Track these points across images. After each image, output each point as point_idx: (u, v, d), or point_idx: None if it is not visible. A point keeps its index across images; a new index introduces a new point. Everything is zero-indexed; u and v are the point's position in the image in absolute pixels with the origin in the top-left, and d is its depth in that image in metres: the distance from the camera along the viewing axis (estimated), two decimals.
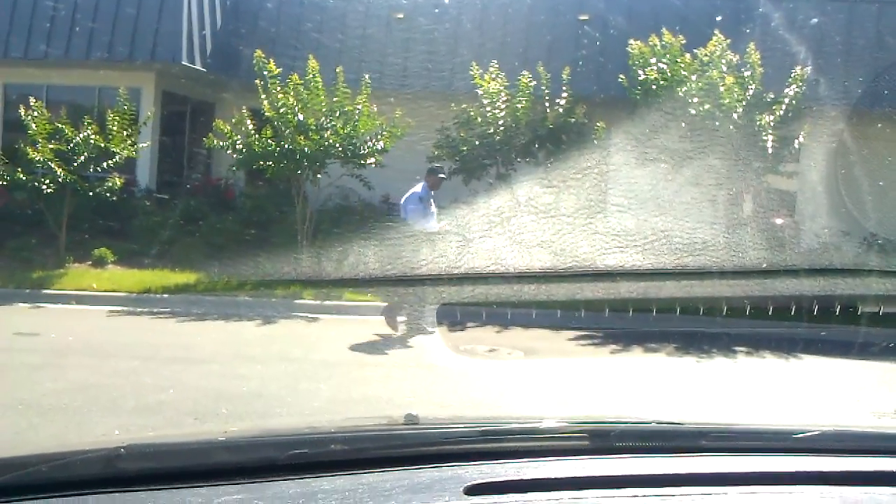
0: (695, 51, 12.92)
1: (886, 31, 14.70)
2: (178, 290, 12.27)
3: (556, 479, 1.57)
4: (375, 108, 13.40)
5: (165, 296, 12.04)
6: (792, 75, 12.94)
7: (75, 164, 13.47)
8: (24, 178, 13.43)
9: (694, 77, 12.67)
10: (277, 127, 13.15)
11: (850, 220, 13.49)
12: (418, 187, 10.25)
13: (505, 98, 13.61)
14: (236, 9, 16.87)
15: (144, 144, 14.65)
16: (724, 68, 12.66)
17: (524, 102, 13.61)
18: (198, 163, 17.55)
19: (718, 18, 13.96)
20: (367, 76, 13.69)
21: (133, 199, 15.43)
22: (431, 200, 10.27)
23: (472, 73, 13.66)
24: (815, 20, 14.43)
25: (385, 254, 11.00)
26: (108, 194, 13.68)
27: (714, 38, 12.85)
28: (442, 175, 10.87)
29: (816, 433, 1.85)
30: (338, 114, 13.19)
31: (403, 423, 1.85)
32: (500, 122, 13.58)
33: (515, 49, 15.51)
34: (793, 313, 8.84)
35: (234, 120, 13.54)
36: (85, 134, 13.50)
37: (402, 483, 1.52)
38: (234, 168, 14.34)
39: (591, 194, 11.67)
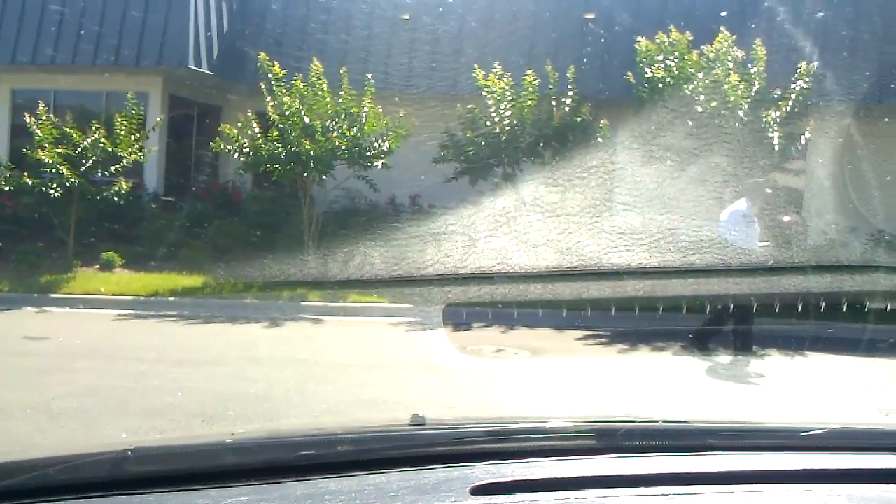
0: (702, 48, 12.90)
1: (894, 25, 14.63)
2: (186, 293, 12.30)
3: (563, 478, 1.57)
4: (381, 109, 13.41)
5: (173, 299, 12.08)
6: (798, 71, 12.91)
7: (83, 168, 13.51)
8: (31, 183, 13.48)
9: (700, 74, 12.65)
10: (283, 130, 13.18)
11: (858, 216, 13.45)
12: (741, 204, 9.40)
13: (510, 98, 13.59)
14: (242, 12, 16.90)
15: (153, 149, 14.70)
16: (731, 65, 12.64)
17: (529, 102, 13.59)
18: (205, 166, 17.57)
19: (723, 14, 13.93)
20: (370, 76, 13.71)
21: (140, 203, 15.47)
22: (754, 217, 9.44)
23: (474, 74, 13.65)
24: (822, 14, 14.38)
25: (391, 255, 11.01)
26: (115, 198, 13.71)
27: (720, 34, 12.83)
28: (768, 190, 9.96)
29: (824, 431, 1.84)
30: (343, 116, 13.21)
31: (410, 424, 1.85)
32: (506, 122, 13.56)
33: (521, 48, 15.49)
34: (800, 310, 8.81)
35: (240, 123, 13.57)
36: (93, 138, 13.54)
37: (409, 484, 1.52)
38: (240, 171, 14.38)
39: (598, 193, 11.66)
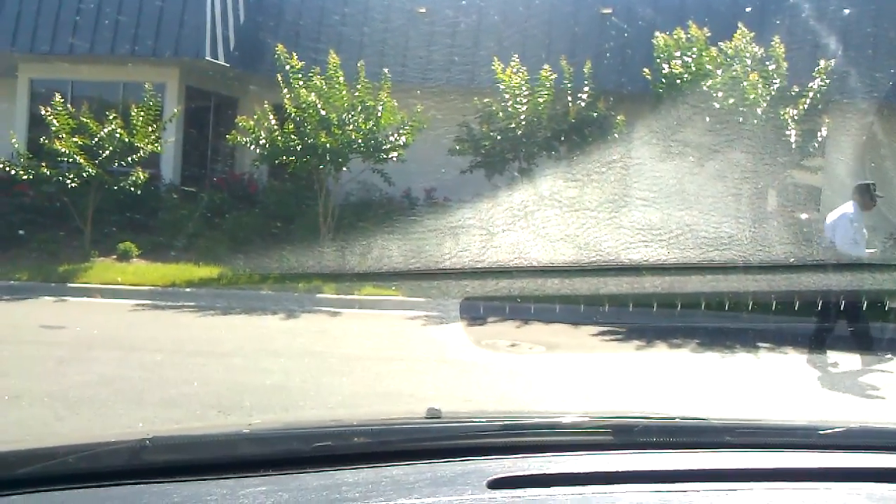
0: (720, 44, 12.82)
1: None
2: (202, 284, 12.36)
3: (579, 473, 1.57)
4: (397, 103, 13.42)
5: (189, 289, 12.13)
6: (817, 68, 12.81)
7: (100, 159, 13.59)
8: (49, 173, 13.56)
9: (719, 71, 12.57)
10: (299, 122, 13.21)
11: (877, 214, 13.32)
12: (848, 207, 8.66)
13: (527, 92, 13.57)
14: (260, 3, 16.93)
15: (170, 140, 14.76)
16: (749, 62, 12.55)
17: (546, 96, 13.56)
18: (221, 157, 17.65)
19: (748, 10, 13.83)
20: (386, 70, 13.72)
21: (157, 194, 15.55)
22: (862, 222, 8.72)
23: (493, 67, 13.64)
24: (840, 11, 14.25)
25: (407, 248, 11.02)
26: (132, 188, 13.78)
27: (739, 31, 12.75)
28: (878, 194, 8.88)
29: (842, 429, 1.83)
30: (359, 109, 13.22)
31: (426, 417, 1.85)
32: (522, 117, 13.54)
33: (539, 42, 15.46)
34: (819, 308, 8.75)
35: (256, 115, 13.61)
36: (110, 129, 13.61)
37: (426, 476, 1.52)
38: (257, 163, 14.42)
39: (613, 188, 11.62)
